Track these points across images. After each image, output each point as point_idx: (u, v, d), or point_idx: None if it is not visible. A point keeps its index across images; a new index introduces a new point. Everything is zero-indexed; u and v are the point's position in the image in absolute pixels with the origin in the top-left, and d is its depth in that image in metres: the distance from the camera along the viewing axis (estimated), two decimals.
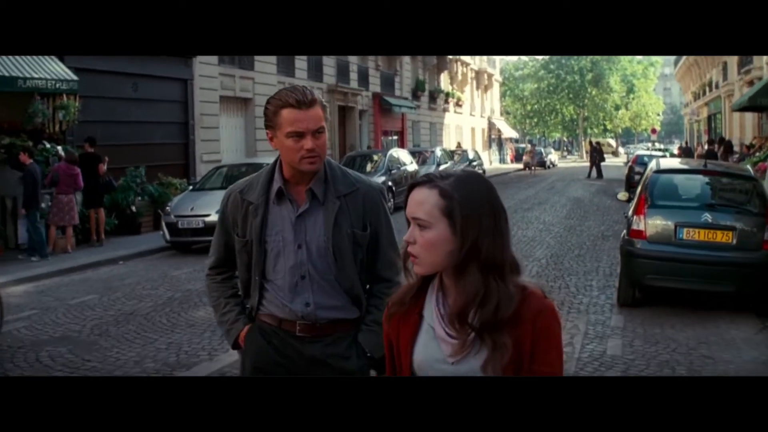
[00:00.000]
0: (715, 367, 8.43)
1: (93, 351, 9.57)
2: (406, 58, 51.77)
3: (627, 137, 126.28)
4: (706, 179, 11.77)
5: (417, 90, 53.82)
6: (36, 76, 18.56)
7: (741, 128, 42.30)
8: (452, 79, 63.43)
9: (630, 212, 11.45)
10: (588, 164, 52.64)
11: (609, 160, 70.42)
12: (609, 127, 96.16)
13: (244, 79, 30.97)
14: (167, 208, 19.07)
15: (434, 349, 2.57)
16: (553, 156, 76.80)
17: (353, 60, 42.19)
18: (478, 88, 73.10)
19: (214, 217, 17.22)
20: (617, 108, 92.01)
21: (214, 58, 28.23)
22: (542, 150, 74.60)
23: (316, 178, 3.75)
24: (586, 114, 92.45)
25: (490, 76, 76.79)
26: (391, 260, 3.87)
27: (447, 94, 61.25)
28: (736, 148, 34.89)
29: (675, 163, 15.93)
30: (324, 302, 3.77)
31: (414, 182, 2.57)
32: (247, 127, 31.71)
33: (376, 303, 3.82)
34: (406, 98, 50.76)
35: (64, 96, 19.33)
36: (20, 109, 18.92)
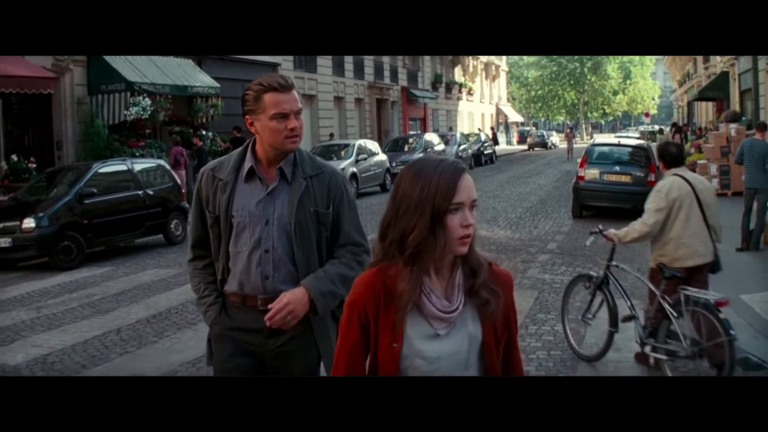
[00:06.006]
0: None
1: None
2: (427, 56, 60.77)
3: (626, 120, 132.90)
4: (618, 149, 21.32)
5: (436, 83, 62.83)
6: (197, 84, 27.29)
7: (706, 114, 51.06)
8: (464, 71, 71.94)
9: (578, 167, 20.77)
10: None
11: None
12: (608, 111, 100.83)
13: (310, 80, 40.02)
14: None
15: (423, 327, 2.70)
16: (554, 138, 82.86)
17: (386, 60, 51.24)
18: (487, 78, 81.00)
19: None
20: (615, 93, 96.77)
21: (291, 64, 37.23)
22: (544, 132, 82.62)
23: (286, 159, 3.94)
24: (586, 99, 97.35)
25: (497, 66, 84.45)
26: (354, 240, 4.07)
27: (460, 85, 69.75)
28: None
29: (602, 139, 25.28)
30: (284, 277, 3.93)
31: (461, 167, 2.67)
32: (312, 118, 40.44)
33: (334, 261, 4.02)
34: (427, 90, 60.00)
35: (213, 98, 28.00)
36: (184, 107, 27.51)
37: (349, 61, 45.03)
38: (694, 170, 27.80)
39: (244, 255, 3.94)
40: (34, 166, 21.90)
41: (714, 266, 8.07)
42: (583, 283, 8.96)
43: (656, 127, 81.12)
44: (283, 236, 3.91)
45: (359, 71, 46.67)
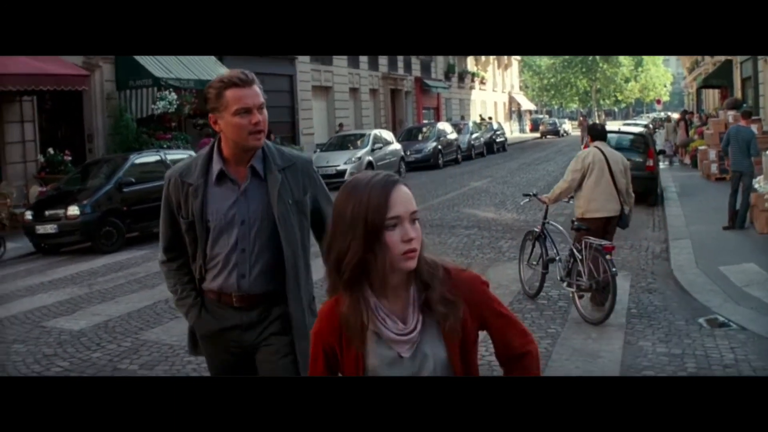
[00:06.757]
0: None
1: None
2: None
3: (639, 107, 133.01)
4: (620, 136, 22.49)
5: (448, 72, 63.80)
6: None
7: (713, 101, 51.84)
8: (477, 60, 72.80)
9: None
10: None
11: None
12: (620, 98, 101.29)
13: (326, 72, 41.28)
14: None
15: (386, 352, 2.59)
16: (566, 125, 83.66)
17: None
18: (499, 67, 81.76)
19: (343, 167, 27.86)
20: (627, 81, 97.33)
21: (307, 58, 38.40)
22: (556, 120, 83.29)
23: (255, 156, 3.87)
24: (598, 86, 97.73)
25: (509, 55, 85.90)
26: None
27: (473, 74, 70.65)
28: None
29: (606, 127, 26.55)
30: (261, 274, 3.91)
31: (394, 180, 2.52)
32: (328, 108, 41.85)
33: None
34: (440, 80, 60.99)
35: None
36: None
37: None
38: (695, 156, 29.18)
39: (222, 257, 3.93)
40: (70, 158, 23.40)
41: (621, 222, 10.32)
42: (529, 237, 11.36)
43: (667, 114, 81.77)
44: (263, 233, 3.89)
45: (373, 62, 47.78)
